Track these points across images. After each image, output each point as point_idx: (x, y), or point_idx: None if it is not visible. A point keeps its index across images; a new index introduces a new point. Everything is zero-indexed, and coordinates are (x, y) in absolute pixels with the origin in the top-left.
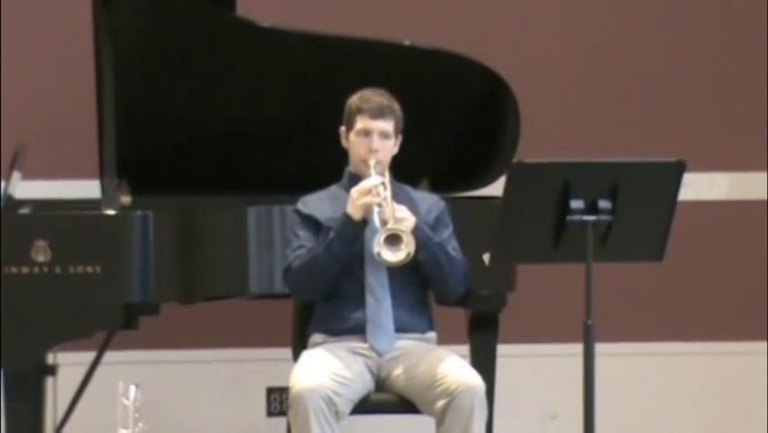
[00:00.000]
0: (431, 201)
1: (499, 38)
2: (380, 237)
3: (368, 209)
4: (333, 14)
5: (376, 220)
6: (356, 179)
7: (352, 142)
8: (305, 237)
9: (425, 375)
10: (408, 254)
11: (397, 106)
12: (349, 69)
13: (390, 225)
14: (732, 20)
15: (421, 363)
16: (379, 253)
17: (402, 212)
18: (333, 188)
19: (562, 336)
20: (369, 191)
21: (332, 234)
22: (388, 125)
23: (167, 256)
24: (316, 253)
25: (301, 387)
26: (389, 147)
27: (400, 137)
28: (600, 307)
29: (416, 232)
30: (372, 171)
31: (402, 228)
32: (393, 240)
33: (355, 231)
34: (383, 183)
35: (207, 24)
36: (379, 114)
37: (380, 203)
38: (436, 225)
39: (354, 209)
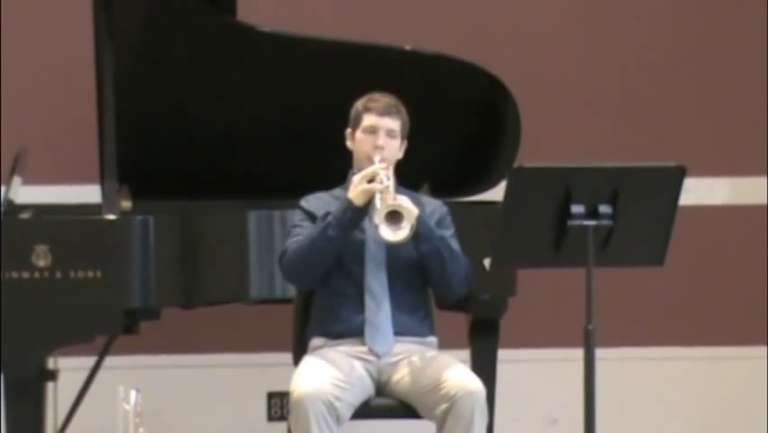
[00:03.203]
0: (434, 204)
1: (500, 43)
2: (382, 212)
3: (369, 196)
4: (333, 19)
5: (378, 205)
6: None
7: (358, 139)
8: (305, 228)
9: (425, 380)
10: (412, 227)
11: (404, 109)
12: (349, 74)
13: (393, 202)
14: (732, 24)
15: (422, 367)
16: (377, 226)
17: (404, 201)
18: (337, 190)
19: (563, 340)
20: (372, 177)
21: (330, 218)
22: (394, 124)
23: (167, 261)
24: (313, 235)
25: (302, 392)
26: (395, 147)
27: (405, 142)
28: (601, 312)
29: (418, 223)
30: (377, 163)
31: (404, 205)
32: (394, 219)
33: (354, 217)
34: (386, 173)
35: (208, 29)
36: (386, 112)
37: (382, 190)
38: (438, 226)
39: (356, 195)
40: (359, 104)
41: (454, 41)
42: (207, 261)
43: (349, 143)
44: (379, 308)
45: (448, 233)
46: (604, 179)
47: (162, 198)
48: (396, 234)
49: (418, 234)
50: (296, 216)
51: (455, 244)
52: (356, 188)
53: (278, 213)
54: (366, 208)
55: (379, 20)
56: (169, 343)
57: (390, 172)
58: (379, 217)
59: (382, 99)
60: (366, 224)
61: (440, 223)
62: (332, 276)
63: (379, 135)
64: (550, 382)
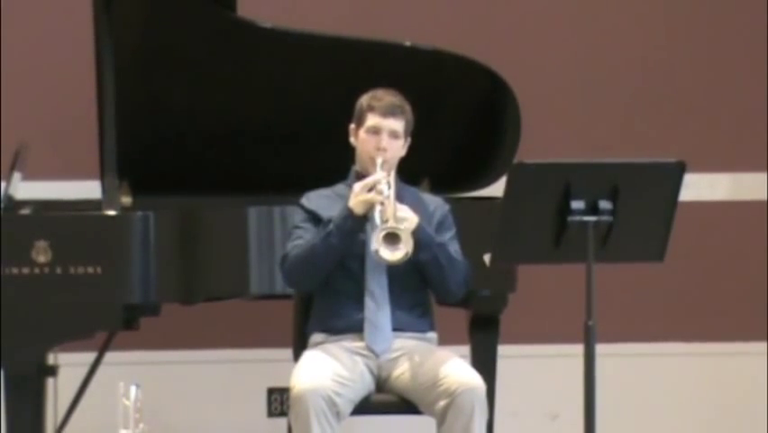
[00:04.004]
0: (435, 203)
1: (500, 38)
2: (379, 235)
3: (369, 206)
4: (333, 15)
5: (377, 218)
6: (362, 178)
7: (361, 139)
8: (306, 230)
9: (425, 376)
10: (406, 254)
11: (408, 108)
12: (349, 70)
13: (390, 224)
14: (732, 21)
15: (422, 363)
16: (377, 251)
17: (403, 211)
18: (339, 187)
19: (563, 336)
20: (372, 187)
21: (331, 226)
22: (398, 125)
23: (167, 257)
24: (314, 243)
25: (302, 387)
26: (398, 147)
27: (409, 139)
28: (601, 307)
29: (417, 232)
30: (379, 170)
31: (401, 227)
32: (392, 238)
33: (355, 226)
34: (387, 181)
35: (208, 25)
36: (389, 112)
37: (383, 201)
38: (439, 227)
39: (356, 204)
40: (363, 101)
41: (455, 36)
42: (207, 256)
43: (352, 139)
44: (379, 309)
45: (448, 234)
46: (604, 174)
47: (162, 194)
48: (394, 255)
49: (417, 242)
50: (296, 216)
51: (455, 246)
52: (356, 198)
53: (279, 208)
54: (367, 216)
55: (380, 15)
56: (170, 338)
57: (392, 178)
58: (377, 242)
59: (386, 98)
60: (366, 225)
61: (441, 223)
62: (332, 274)
63: (382, 137)
64: (550, 378)
